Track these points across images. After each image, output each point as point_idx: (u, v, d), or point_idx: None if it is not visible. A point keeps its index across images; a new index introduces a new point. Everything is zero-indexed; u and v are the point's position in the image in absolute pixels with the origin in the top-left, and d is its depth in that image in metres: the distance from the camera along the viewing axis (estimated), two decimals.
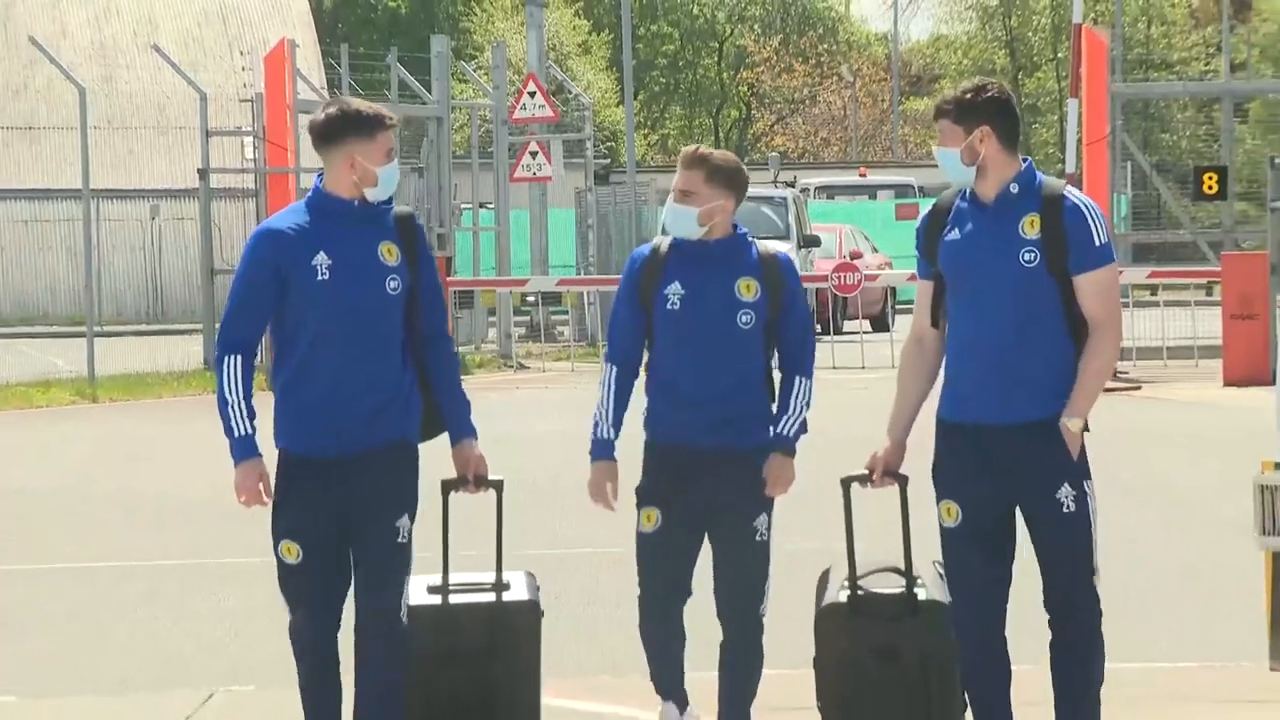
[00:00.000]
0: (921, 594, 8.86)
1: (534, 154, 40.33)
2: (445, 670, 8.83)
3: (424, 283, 8.68)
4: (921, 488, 8.81)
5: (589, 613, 13.79)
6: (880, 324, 44.96)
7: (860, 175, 62.81)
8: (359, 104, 8.78)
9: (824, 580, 9.16)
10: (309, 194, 8.65)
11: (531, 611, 9.00)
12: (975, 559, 8.53)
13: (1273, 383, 11.36)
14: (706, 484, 9.04)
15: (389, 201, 8.69)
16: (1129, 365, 33.32)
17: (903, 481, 8.81)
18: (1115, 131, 37.56)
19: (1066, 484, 8.49)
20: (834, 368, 32.47)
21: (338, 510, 8.56)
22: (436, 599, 8.88)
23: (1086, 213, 8.50)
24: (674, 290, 9.05)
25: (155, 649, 13.75)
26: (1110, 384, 28.96)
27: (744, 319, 9.06)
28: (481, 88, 46.03)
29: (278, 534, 8.64)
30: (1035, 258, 8.46)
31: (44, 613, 15.00)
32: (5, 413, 30.39)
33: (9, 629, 14.49)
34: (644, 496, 9.13)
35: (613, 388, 9.17)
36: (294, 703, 11.71)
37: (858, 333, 38.63)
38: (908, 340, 8.81)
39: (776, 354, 9.20)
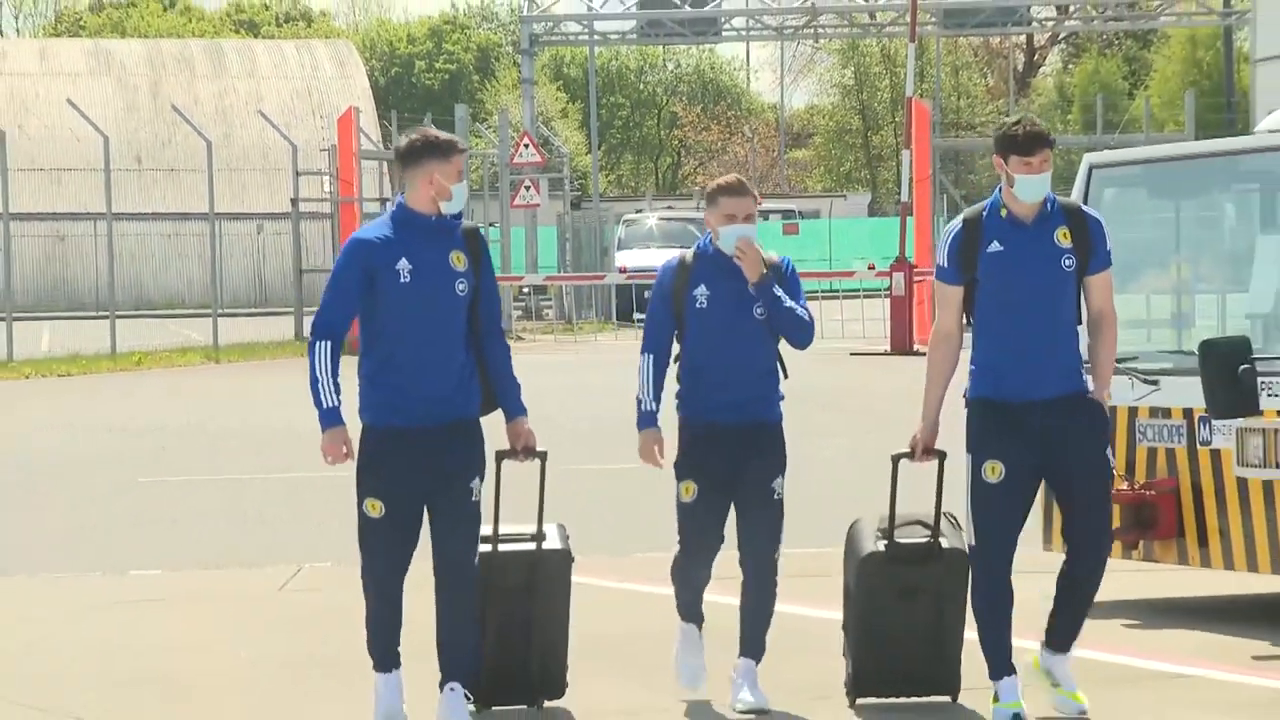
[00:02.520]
0: (944, 542, 8.02)
1: (528, 188, 40.82)
2: (494, 605, 7.96)
3: (484, 286, 7.81)
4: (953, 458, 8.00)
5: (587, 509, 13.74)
6: None
7: (757, 203, 62.64)
8: (437, 132, 7.95)
9: (855, 531, 8.21)
10: (393, 209, 7.83)
11: (564, 558, 8.11)
12: (1009, 510, 7.77)
13: None
14: (733, 454, 8.13)
15: (459, 216, 7.85)
16: None
17: (942, 456, 7.94)
18: (935, 174, 37.74)
19: (1103, 445, 7.85)
20: None
21: (416, 474, 7.67)
22: (487, 547, 7.94)
23: (1101, 225, 7.83)
24: (701, 292, 8.17)
25: (252, 537, 13.71)
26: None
27: (759, 312, 8.15)
28: (491, 141, 46.01)
29: (363, 493, 7.73)
30: (1072, 263, 7.73)
31: (176, 511, 14.96)
32: (155, 370, 30.48)
33: (152, 523, 14.46)
34: (682, 471, 8.21)
35: (651, 372, 8.23)
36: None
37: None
38: (935, 336, 7.90)
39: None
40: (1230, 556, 9.78)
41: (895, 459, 8.01)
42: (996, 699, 7.81)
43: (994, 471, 7.70)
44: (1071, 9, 55.60)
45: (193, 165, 46.13)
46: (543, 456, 7.88)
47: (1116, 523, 10.06)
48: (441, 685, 7.74)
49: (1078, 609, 7.92)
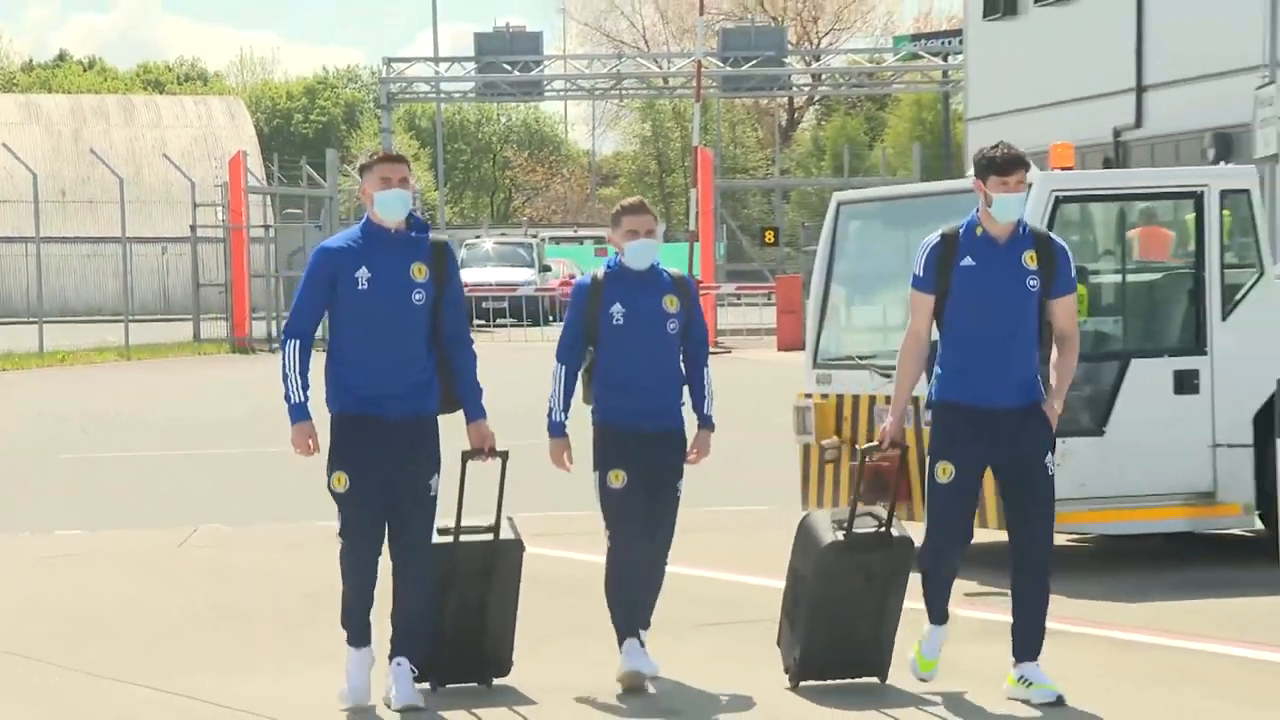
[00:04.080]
0: (894, 531, 7.27)
1: None
2: (453, 590, 7.21)
3: (448, 296, 6.96)
4: None
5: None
6: None
7: (574, 231, 62.75)
8: (378, 148, 7.19)
9: (809, 524, 7.40)
10: (362, 221, 7.03)
11: (517, 547, 7.28)
12: (958, 509, 7.02)
13: (803, 349, 11.24)
14: (646, 457, 7.33)
15: (424, 230, 6.98)
16: (725, 339, 33.48)
17: (904, 450, 7.20)
18: (717, 208, 37.87)
19: (1049, 453, 7.02)
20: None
21: (378, 457, 6.88)
22: (448, 538, 7.18)
23: (1067, 253, 7.12)
24: (617, 309, 7.31)
25: (156, 504, 13.47)
26: (712, 349, 29.32)
27: (670, 327, 7.36)
28: (356, 180, 45.48)
29: (330, 470, 6.93)
30: (1036, 284, 6.99)
31: (93, 483, 14.67)
32: (76, 366, 29.83)
33: (74, 493, 14.16)
34: (608, 462, 7.32)
35: (563, 383, 7.38)
36: (259, 533, 11.75)
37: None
38: (907, 339, 7.14)
39: (683, 352, 7.48)
40: None
41: (863, 453, 7.32)
42: (920, 646, 7.18)
43: (944, 473, 7.00)
44: (823, 77, 56.19)
45: (108, 198, 45.34)
46: (504, 456, 7.09)
47: (860, 488, 10.16)
48: (391, 657, 7.03)
49: (1030, 613, 7.00)
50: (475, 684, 7.28)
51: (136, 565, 10.72)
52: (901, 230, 11.23)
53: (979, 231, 7.05)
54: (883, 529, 7.22)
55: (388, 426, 6.85)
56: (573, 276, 45.28)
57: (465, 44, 56.94)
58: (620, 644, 7.29)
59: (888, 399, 10.13)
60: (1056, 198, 9.71)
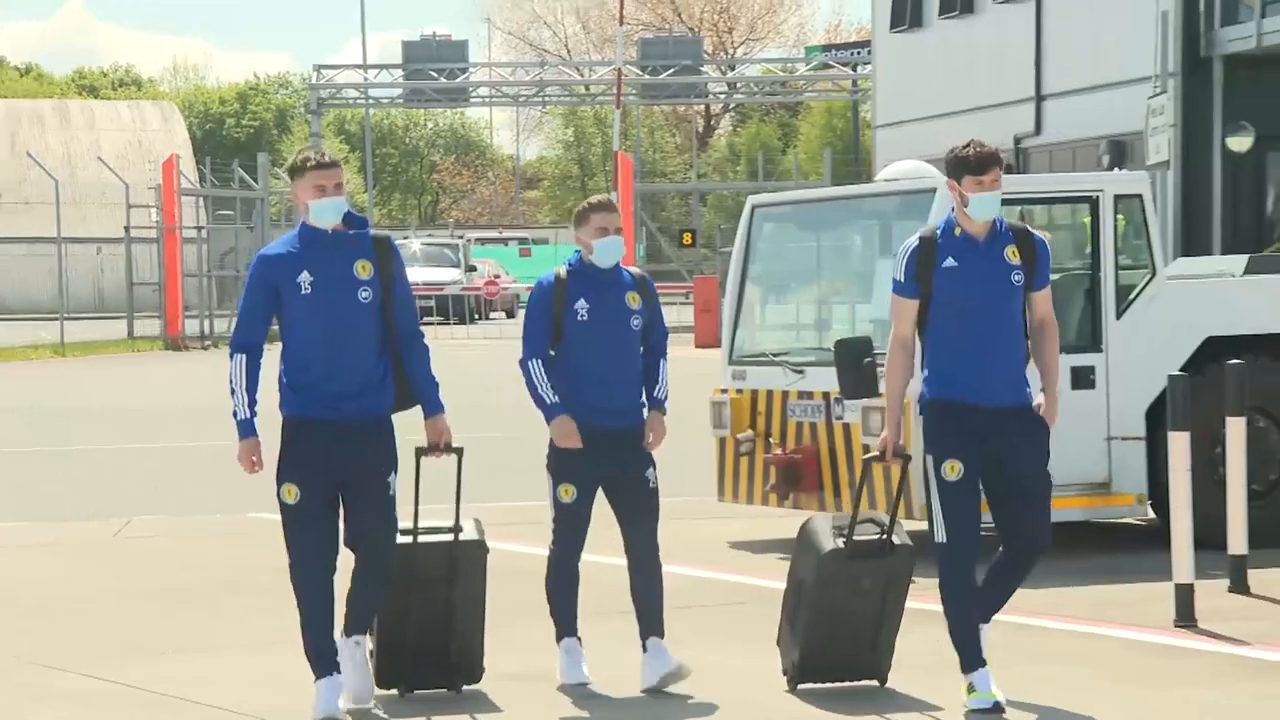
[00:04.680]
0: (895, 539, 6.90)
1: None
2: (416, 594, 6.77)
3: (396, 292, 6.57)
4: None
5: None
6: (511, 314, 45.03)
7: (499, 233, 62.58)
8: (304, 151, 6.73)
9: (810, 529, 7.02)
10: (299, 226, 6.63)
11: (480, 548, 6.88)
12: (971, 505, 6.56)
13: (720, 346, 11.27)
14: (609, 456, 7.00)
15: (363, 226, 6.60)
16: None
17: (907, 459, 6.77)
18: (637, 210, 37.92)
19: (1046, 451, 6.64)
20: (485, 339, 32.47)
21: (330, 464, 6.47)
22: (408, 539, 6.74)
23: (1047, 246, 6.76)
24: (582, 305, 7.01)
25: (91, 495, 13.33)
26: None
27: (635, 323, 7.06)
28: (287, 183, 45.21)
29: (280, 480, 6.51)
30: (1021, 279, 6.62)
31: (28, 474, 14.49)
32: (13, 362, 29.49)
33: (8, 485, 13.97)
34: (561, 475, 7.02)
35: (541, 372, 6.98)
36: (193, 524, 11.64)
37: (497, 320, 38.75)
38: (893, 344, 6.70)
39: (644, 345, 7.15)
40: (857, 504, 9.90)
41: (866, 462, 6.90)
42: (972, 690, 6.56)
43: (953, 470, 6.54)
44: (738, 85, 56.34)
45: (44, 199, 44.69)
46: (459, 452, 6.66)
47: (772, 480, 10.24)
48: (347, 634, 6.61)
49: (1006, 589, 6.75)
50: (445, 689, 6.87)
51: (71, 555, 10.59)
52: (813, 232, 11.30)
53: (957, 232, 6.66)
54: (884, 536, 6.85)
55: (341, 429, 6.45)
56: (498, 277, 45.28)
57: (393, 52, 56.64)
58: (558, 639, 7.07)
59: (800, 394, 10.29)
60: None
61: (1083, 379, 9.83)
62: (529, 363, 7.06)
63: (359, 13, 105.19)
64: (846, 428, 9.90)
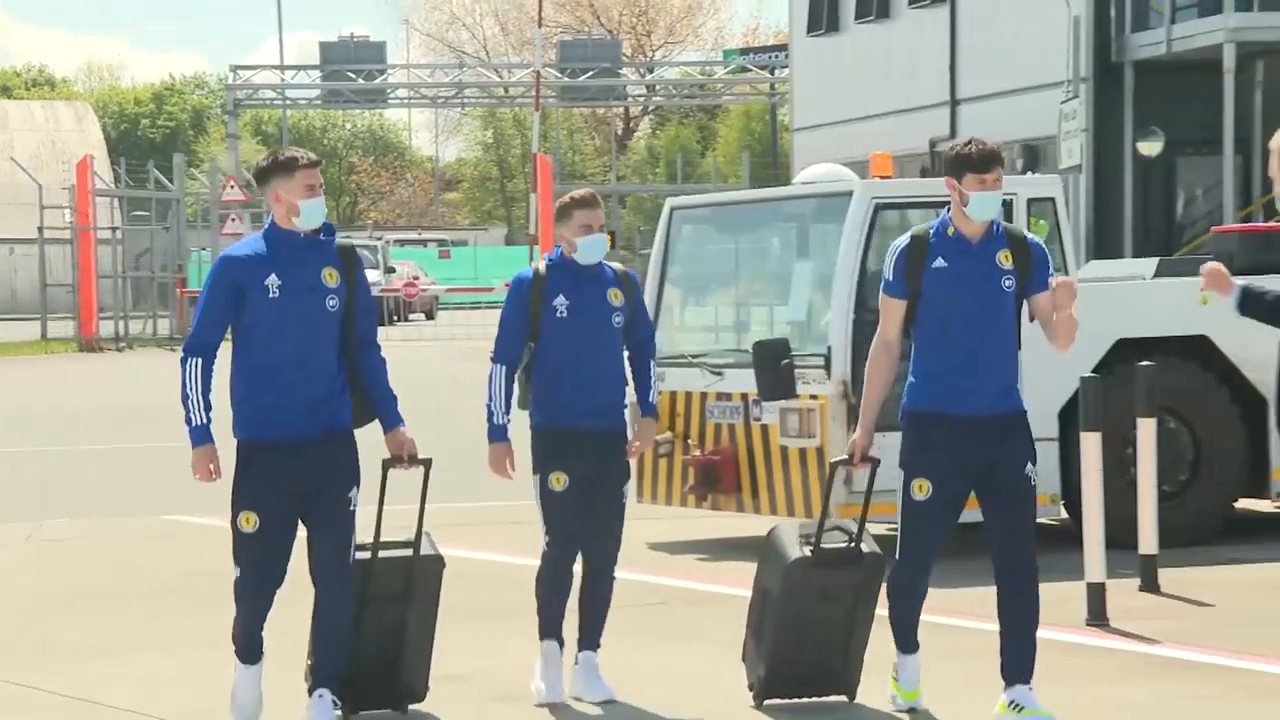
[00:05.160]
0: (864, 547, 6.61)
1: (234, 220, 39.95)
2: (369, 610, 6.41)
3: (358, 301, 6.24)
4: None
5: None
6: (430, 315, 44.90)
7: (418, 234, 62.30)
8: (284, 149, 6.32)
9: (775, 537, 6.70)
10: (266, 227, 6.24)
11: (437, 563, 6.53)
12: (933, 525, 6.29)
13: None
14: (592, 457, 6.70)
15: (332, 234, 6.26)
16: None
17: (875, 464, 6.47)
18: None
19: (1030, 464, 6.30)
20: (404, 341, 32.32)
21: (290, 486, 6.10)
22: (367, 554, 6.41)
23: (1044, 251, 6.43)
24: (561, 302, 6.68)
25: (7, 499, 13.16)
26: None
27: (616, 320, 6.74)
28: (204, 184, 44.86)
29: (237, 507, 6.11)
30: (1012, 284, 6.31)
31: None
32: None
33: None
34: (550, 465, 6.68)
35: (503, 384, 6.71)
36: (107, 526, 11.52)
37: (417, 321, 38.64)
38: (877, 345, 6.41)
39: (628, 344, 6.86)
40: (775, 504, 9.96)
41: (833, 466, 6.63)
42: (895, 676, 6.49)
43: (921, 489, 6.27)
44: (657, 88, 56.42)
45: None
46: (426, 464, 6.30)
47: (690, 481, 10.27)
48: (311, 690, 6.24)
49: (1028, 630, 6.35)
50: (390, 710, 6.54)
51: None
52: (731, 235, 11.34)
53: (950, 232, 6.33)
54: (852, 544, 6.58)
55: (301, 447, 6.09)
56: (417, 278, 45.09)
57: (311, 53, 56.34)
58: (541, 638, 6.76)
59: (719, 395, 10.32)
60: (876, 205, 9.84)
61: None
62: (495, 367, 6.74)
63: (276, 13, 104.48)
64: (765, 429, 9.93)
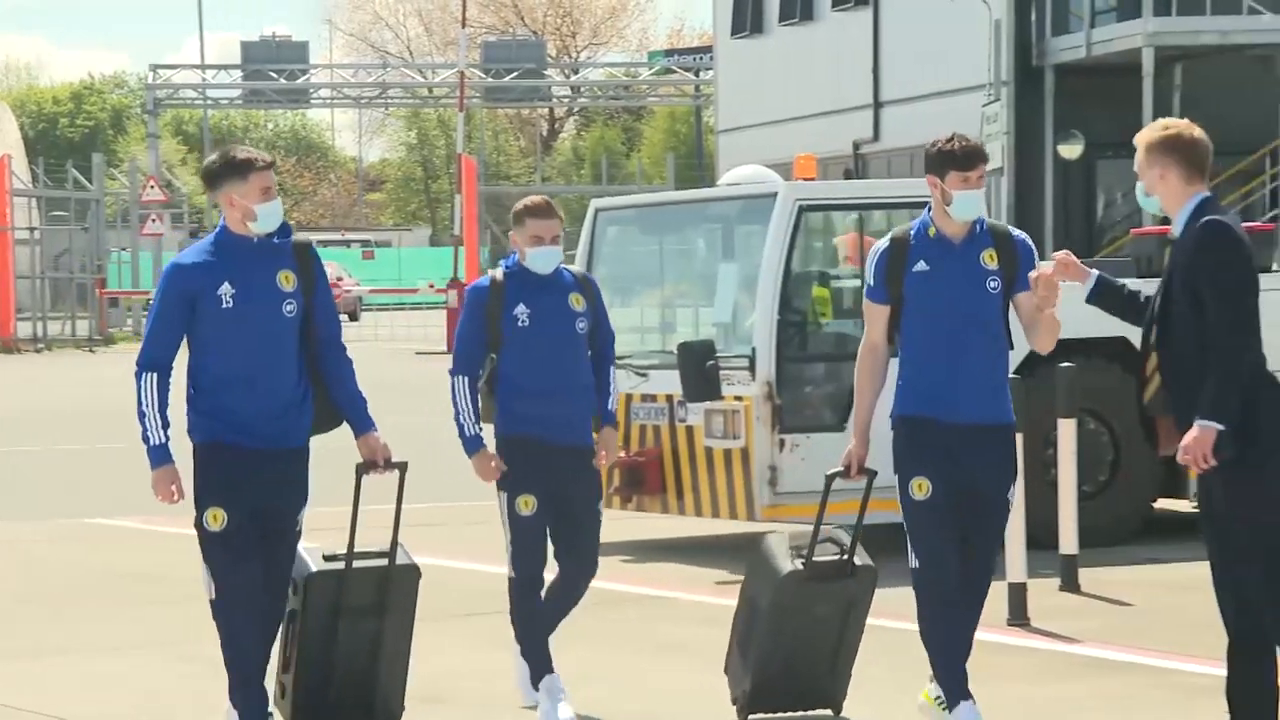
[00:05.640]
0: (857, 560, 6.36)
1: (154, 220, 39.66)
2: (343, 622, 6.09)
3: (319, 303, 5.95)
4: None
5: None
6: (354, 317, 44.63)
7: (342, 235, 62.00)
8: (236, 149, 5.96)
9: (765, 549, 6.43)
10: (216, 231, 5.93)
11: (413, 573, 6.19)
12: (944, 526, 5.92)
13: None
14: (559, 473, 6.40)
15: (287, 234, 5.95)
16: None
17: (872, 475, 6.15)
18: (481, 214, 37.80)
19: (1012, 485, 6.05)
20: None
21: (248, 489, 5.80)
22: (340, 564, 6.09)
23: (1031, 248, 6.12)
24: (521, 310, 6.38)
25: None
26: None
27: (580, 326, 6.44)
28: (123, 184, 44.43)
29: (202, 507, 5.80)
30: (998, 285, 6.01)
31: None
32: None
33: None
34: (516, 486, 6.37)
35: (467, 395, 6.42)
36: (16, 530, 11.38)
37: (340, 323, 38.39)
38: (863, 349, 6.11)
39: (590, 350, 6.57)
40: (700, 506, 9.98)
41: (829, 477, 6.24)
42: None
43: (921, 489, 5.93)
44: (582, 89, 56.41)
45: None
46: (402, 468, 6.02)
47: (616, 483, 10.26)
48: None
49: (966, 645, 6.05)
50: None
51: None
52: (656, 236, 11.35)
53: (932, 233, 6.04)
54: (844, 556, 6.33)
55: (256, 457, 5.80)
56: (340, 280, 44.82)
57: (232, 52, 55.89)
58: (535, 681, 6.41)
59: (644, 396, 10.32)
60: (800, 207, 9.88)
61: None
62: (456, 379, 6.47)
63: (196, 12, 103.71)
64: (690, 430, 9.95)
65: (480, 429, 6.42)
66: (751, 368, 9.67)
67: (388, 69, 56.55)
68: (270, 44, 50.89)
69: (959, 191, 5.98)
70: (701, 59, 50.10)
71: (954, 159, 5.99)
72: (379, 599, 6.14)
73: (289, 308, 5.88)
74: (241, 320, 5.82)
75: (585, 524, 6.50)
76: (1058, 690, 6.98)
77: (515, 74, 49.70)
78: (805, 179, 10.18)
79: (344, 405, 6.00)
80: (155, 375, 5.82)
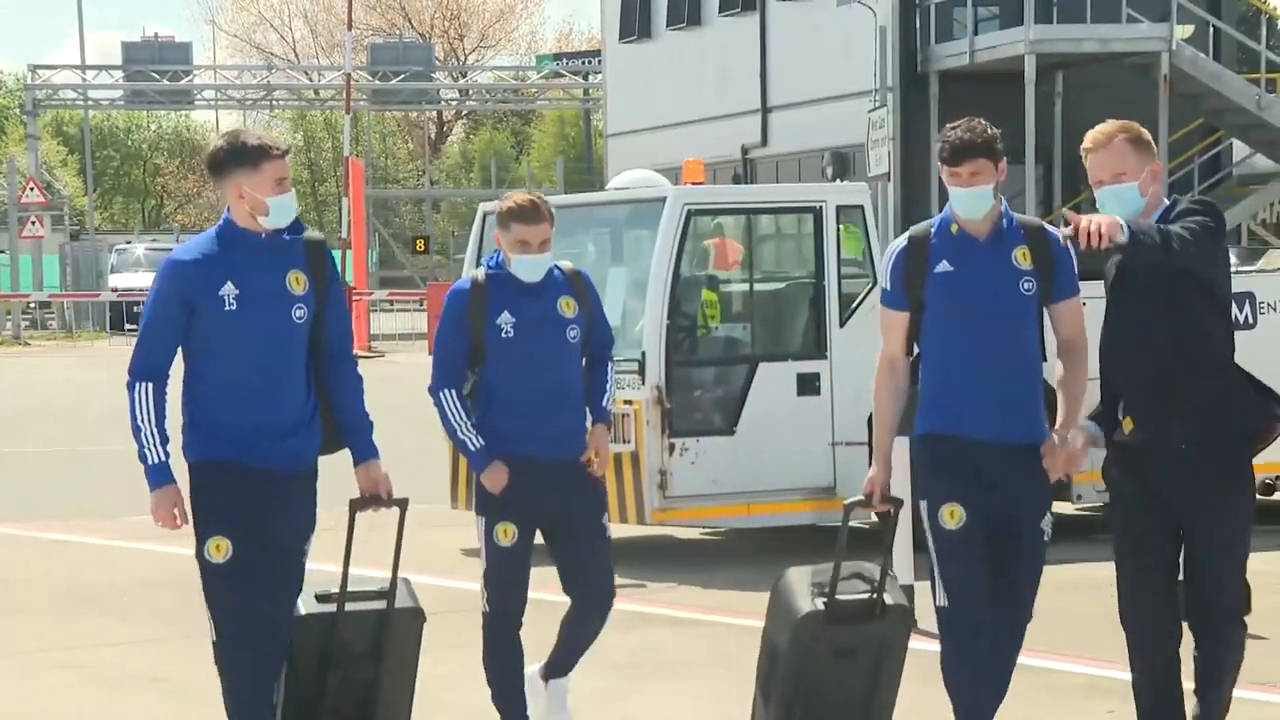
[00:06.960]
0: (887, 599, 5.64)
1: (33, 223, 39.11)
2: (335, 672, 5.45)
3: (330, 307, 5.29)
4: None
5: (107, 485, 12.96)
6: None
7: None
8: (246, 136, 5.28)
9: (785, 586, 5.73)
10: (219, 223, 5.32)
11: (415, 616, 5.58)
12: (978, 564, 5.26)
13: None
14: (552, 491, 5.80)
15: (299, 230, 5.30)
16: (378, 344, 33.11)
17: (898, 504, 5.54)
18: (369, 216, 37.60)
19: (1048, 513, 5.42)
20: None
21: (254, 511, 5.17)
22: (331, 606, 5.46)
23: (1066, 249, 5.34)
24: (506, 320, 5.76)
25: None
26: (365, 354, 29.01)
27: (572, 335, 5.83)
28: (1, 185, 43.70)
29: (203, 537, 5.15)
30: (1033, 287, 5.31)
31: None
32: None
33: None
34: (494, 512, 5.77)
35: (459, 409, 5.77)
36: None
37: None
38: (881, 363, 5.46)
39: (585, 352, 5.98)
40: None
41: (848, 507, 5.56)
42: None
43: (953, 516, 5.27)
44: (471, 93, 56.26)
45: None
46: (402, 505, 5.40)
47: None
48: None
49: (1000, 691, 5.46)
50: None
51: None
52: None
53: (954, 229, 5.35)
54: (873, 594, 5.62)
55: (261, 477, 5.16)
56: None
57: (113, 52, 55.12)
58: None
59: None
60: (689, 211, 9.93)
61: (808, 386, 10.07)
62: (440, 394, 5.82)
63: (76, 11, 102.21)
64: None
65: (481, 442, 5.78)
66: (641, 371, 9.70)
67: (273, 71, 56.07)
68: (152, 44, 50.28)
69: (951, 189, 5.35)
70: (590, 62, 50.15)
71: (941, 154, 5.34)
72: (375, 645, 5.49)
73: (299, 313, 5.21)
74: (245, 325, 5.16)
75: (593, 543, 5.86)
76: (939, 690, 7.03)
77: (403, 76, 49.46)
78: (694, 183, 10.24)
79: (347, 429, 5.33)
80: (150, 385, 5.15)
